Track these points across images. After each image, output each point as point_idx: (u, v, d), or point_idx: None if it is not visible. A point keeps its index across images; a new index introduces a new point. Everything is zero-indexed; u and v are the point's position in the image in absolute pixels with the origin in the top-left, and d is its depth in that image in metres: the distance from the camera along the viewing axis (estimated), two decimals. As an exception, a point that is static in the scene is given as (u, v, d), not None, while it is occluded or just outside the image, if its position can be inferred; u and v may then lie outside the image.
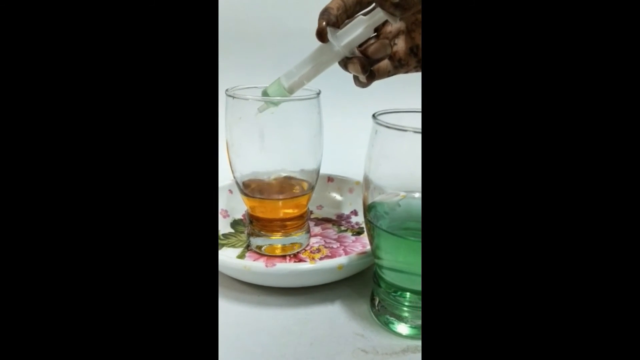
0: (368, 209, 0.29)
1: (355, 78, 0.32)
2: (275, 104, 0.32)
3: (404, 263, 0.28)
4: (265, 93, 0.32)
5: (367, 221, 0.29)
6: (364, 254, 0.32)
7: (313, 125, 0.36)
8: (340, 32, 0.29)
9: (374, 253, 0.30)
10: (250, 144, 0.36)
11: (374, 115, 0.27)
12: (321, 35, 0.28)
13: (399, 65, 0.32)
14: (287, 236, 0.38)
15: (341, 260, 0.31)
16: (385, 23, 0.30)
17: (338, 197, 0.47)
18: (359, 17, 0.29)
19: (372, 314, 0.31)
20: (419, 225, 0.27)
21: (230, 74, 0.60)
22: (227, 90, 0.34)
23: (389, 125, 0.26)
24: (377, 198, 0.29)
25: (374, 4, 0.28)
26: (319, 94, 0.35)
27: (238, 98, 0.33)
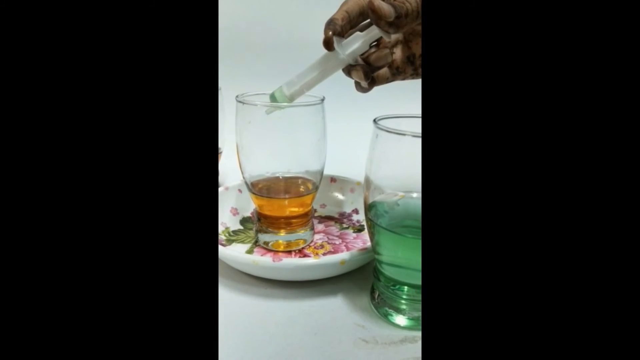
0: (369, 207, 0.30)
1: (357, 84, 0.34)
2: (281, 107, 0.33)
3: (403, 259, 0.29)
4: (272, 96, 0.33)
5: (368, 219, 0.31)
6: (364, 250, 0.33)
7: (317, 129, 0.37)
8: (345, 41, 0.30)
9: (374, 249, 0.31)
10: (259, 146, 0.37)
11: (374, 120, 0.29)
12: (328, 44, 0.30)
13: (396, 73, 0.34)
14: (292, 233, 0.39)
15: (343, 255, 0.32)
16: None
17: (340, 196, 0.49)
18: (357, 34, 0.30)
19: (372, 306, 0.32)
20: (417, 223, 0.28)
21: (241, 81, 0.62)
22: (237, 96, 0.36)
23: (389, 129, 0.27)
24: (377, 198, 0.31)
25: None
26: (323, 100, 0.36)
27: (247, 104, 0.35)
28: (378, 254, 0.31)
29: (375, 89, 0.34)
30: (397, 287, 0.30)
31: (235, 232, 0.43)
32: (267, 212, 0.39)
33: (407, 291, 0.30)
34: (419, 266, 0.27)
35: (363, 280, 0.36)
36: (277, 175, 0.40)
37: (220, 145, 0.53)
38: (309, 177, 0.39)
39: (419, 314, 0.30)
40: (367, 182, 0.30)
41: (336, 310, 0.32)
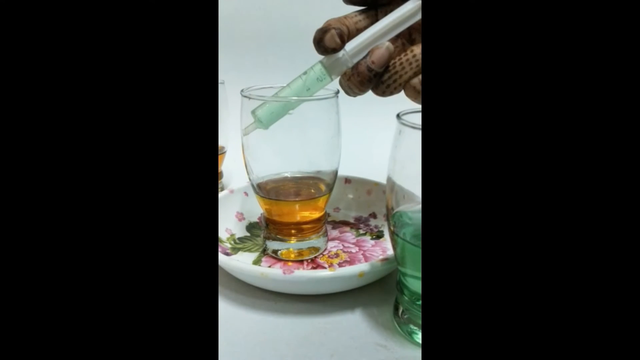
0: (391, 217, 0.28)
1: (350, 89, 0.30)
2: (264, 125, 0.30)
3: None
4: (254, 113, 0.30)
5: (391, 227, 0.28)
6: (386, 260, 0.31)
7: (331, 125, 0.34)
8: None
9: (397, 260, 0.29)
10: (267, 145, 0.35)
11: (398, 115, 0.26)
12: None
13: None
14: (304, 240, 0.36)
15: (362, 267, 0.30)
16: None
17: (356, 199, 0.46)
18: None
19: (395, 323, 0.29)
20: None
21: (246, 74, 0.59)
22: (242, 90, 0.33)
23: (414, 125, 0.24)
24: (401, 207, 0.28)
25: None
26: (337, 93, 0.34)
27: (254, 99, 0.32)
28: (402, 265, 0.28)
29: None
30: (424, 303, 0.27)
31: (241, 239, 0.40)
32: (275, 217, 0.36)
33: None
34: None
35: (384, 293, 0.33)
36: (287, 175, 0.37)
37: (223, 144, 0.50)
38: (322, 178, 0.37)
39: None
40: (390, 184, 0.27)
41: (354, 328, 0.29)
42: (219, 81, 0.48)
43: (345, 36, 0.28)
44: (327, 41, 0.28)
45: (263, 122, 0.30)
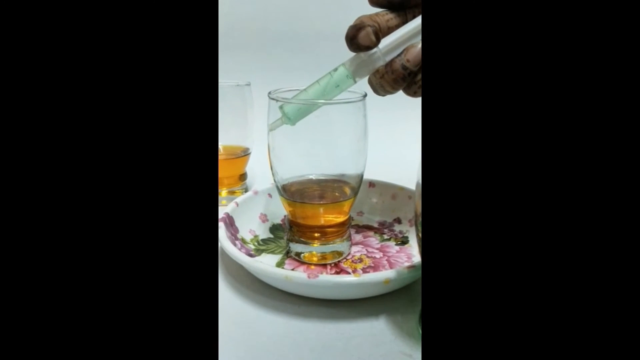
0: (420, 223, 0.27)
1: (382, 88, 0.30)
2: (291, 121, 0.30)
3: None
4: (282, 108, 0.31)
5: (419, 234, 0.27)
6: (412, 267, 0.30)
7: (358, 128, 0.34)
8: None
9: None
10: (292, 147, 0.35)
11: None
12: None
13: None
14: (327, 244, 0.36)
15: (388, 274, 0.29)
16: None
17: (380, 203, 0.45)
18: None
19: (420, 331, 0.29)
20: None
21: (272, 76, 0.59)
22: (269, 92, 0.33)
23: None
24: None
25: None
26: (365, 96, 0.33)
27: (280, 101, 0.32)
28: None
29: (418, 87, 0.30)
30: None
31: (264, 241, 0.40)
32: (299, 220, 0.36)
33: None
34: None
35: (409, 300, 0.32)
36: (311, 178, 0.37)
37: (248, 145, 0.51)
38: (347, 181, 0.36)
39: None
40: (420, 190, 0.26)
41: (379, 335, 0.29)
42: (245, 83, 0.48)
43: (380, 33, 0.27)
44: (362, 39, 0.27)
45: (291, 118, 0.30)
